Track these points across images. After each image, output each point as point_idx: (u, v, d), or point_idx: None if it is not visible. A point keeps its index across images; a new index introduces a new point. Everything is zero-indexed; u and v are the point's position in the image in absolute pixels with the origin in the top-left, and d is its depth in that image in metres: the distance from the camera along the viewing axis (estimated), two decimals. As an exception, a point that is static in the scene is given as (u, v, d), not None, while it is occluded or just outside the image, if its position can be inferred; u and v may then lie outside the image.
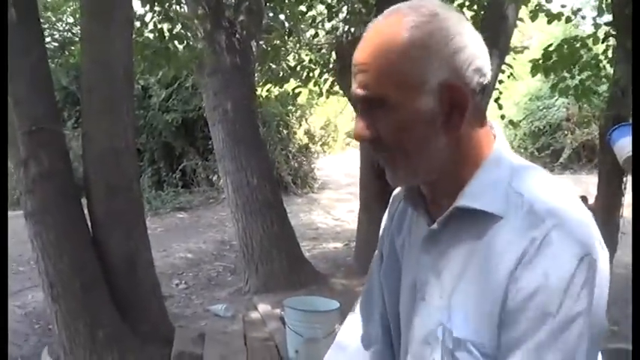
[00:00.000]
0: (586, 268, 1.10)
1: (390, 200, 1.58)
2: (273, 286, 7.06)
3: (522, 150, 20.29)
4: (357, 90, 1.24)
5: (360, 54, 1.23)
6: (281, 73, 9.80)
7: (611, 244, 6.19)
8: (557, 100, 18.59)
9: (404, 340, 1.43)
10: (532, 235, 1.12)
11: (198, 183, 14.04)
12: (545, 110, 19.44)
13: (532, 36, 21.19)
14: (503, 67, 8.48)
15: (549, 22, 7.40)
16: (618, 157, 5.47)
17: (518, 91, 18.49)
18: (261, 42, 8.40)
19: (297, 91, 10.03)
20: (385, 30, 1.22)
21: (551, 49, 7.41)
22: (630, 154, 5.41)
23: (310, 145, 16.45)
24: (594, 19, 7.49)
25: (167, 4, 6.46)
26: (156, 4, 5.91)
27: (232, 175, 7.39)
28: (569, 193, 1.21)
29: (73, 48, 15.96)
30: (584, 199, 8.72)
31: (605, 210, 6.23)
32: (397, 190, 1.53)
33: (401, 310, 1.44)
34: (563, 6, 7.70)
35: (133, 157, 5.28)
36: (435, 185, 1.30)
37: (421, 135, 1.21)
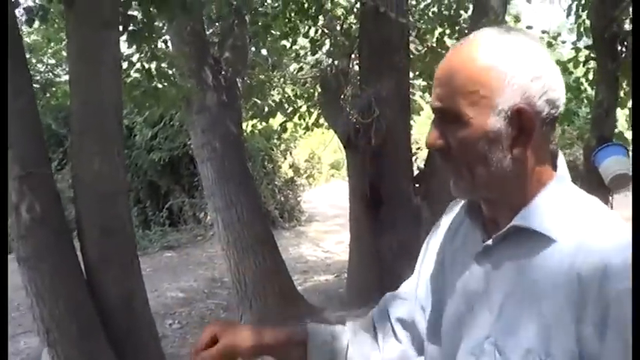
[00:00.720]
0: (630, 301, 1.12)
1: (446, 210, 1.63)
2: (268, 322, 7.02)
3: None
4: (434, 102, 1.31)
5: (441, 69, 1.31)
6: (266, 108, 9.83)
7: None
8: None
9: (447, 345, 1.45)
10: (587, 265, 1.16)
11: (185, 221, 14.00)
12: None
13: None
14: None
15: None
16: (604, 177, 5.53)
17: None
18: (245, 78, 8.43)
19: (284, 125, 10.04)
20: (467, 49, 1.28)
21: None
22: (616, 173, 5.48)
23: (295, 178, 16.47)
24: (574, 43, 7.59)
25: (153, 44, 6.48)
26: (143, 44, 5.92)
27: (222, 212, 7.39)
28: (621, 226, 1.23)
29: (54, 89, 15.95)
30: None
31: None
32: (454, 201, 1.59)
33: (445, 318, 1.47)
34: (544, 31, 7.80)
35: (125, 198, 5.24)
36: (495, 204, 1.35)
37: (485, 153, 1.26)
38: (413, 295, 1.63)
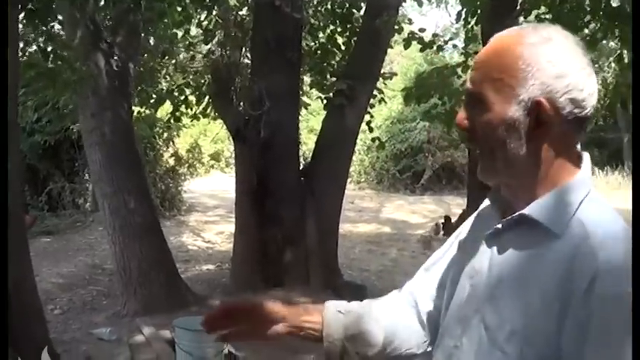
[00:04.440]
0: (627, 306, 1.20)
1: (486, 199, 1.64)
2: (152, 309, 7.00)
3: (384, 172, 20.90)
4: (467, 84, 1.42)
5: (479, 54, 1.42)
6: (154, 96, 9.73)
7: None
8: (418, 123, 19.31)
9: (443, 313, 1.57)
10: (582, 265, 1.25)
11: (65, 206, 13.64)
12: (406, 133, 20.16)
13: (393, 60, 21.86)
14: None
15: (422, 49, 7.70)
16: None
17: (380, 114, 19.12)
18: (136, 65, 8.33)
19: (175, 114, 9.93)
20: (504, 40, 1.38)
21: (423, 76, 7.72)
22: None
23: (177, 167, 16.31)
24: (463, 48, 7.88)
25: (50, 25, 6.35)
26: (40, 24, 5.80)
27: (110, 198, 7.31)
28: (623, 236, 1.29)
29: None
30: (447, 219, 9.20)
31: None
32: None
33: (448, 287, 1.58)
34: (435, 35, 8.07)
35: (18, 178, 5.15)
36: (514, 191, 1.43)
37: (504, 138, 1.35)
38: (436, 273, 1.70)
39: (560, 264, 1.28)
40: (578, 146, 1.43)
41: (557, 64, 1.32)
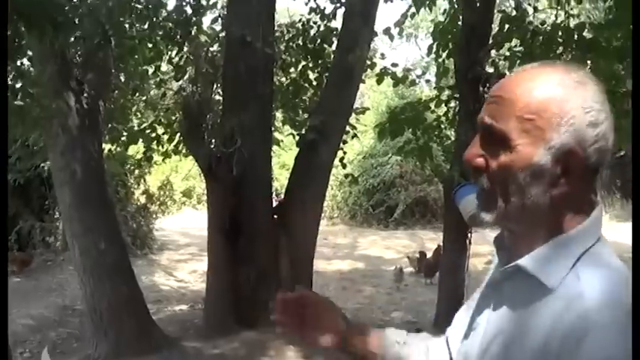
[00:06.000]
0: None
1: None
2: (123, 351, 6.86)
3: (357, 207, 20.90)
4: (485, 117, 1.30)
5: (502, 87, 1.31)
6: (125, 134, 9.63)
7: (457, 296, 6.50)
8: (390, 157, 19.36)
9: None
10: (572, 324, 1.17)
11: (35, 245, 13.42)
12: (379, 168, 20.20)
13: (364, 94, 21.98)
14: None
15: (395, 85, 7.69)
16: (464, 215, 5.78)
17: (352, 149, 19.21)
18: (107, 102, 8.23)
19: (147, 154, 9.83)
20: (535, 77, 1.28)
21: (396, 111, 7.69)
22: (475, 211, 5.74)
23: (148, 205, 16.17)
24: (436, 82, 7.89)
25: (19, 61, 6.26)
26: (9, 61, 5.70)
27: (80, 238, 7.15)
28: (621, 292, 1.21)
29: None
30: (422, 254, 9.15)
31: (451, 264, 6.53)
32: None
33: (454, 336, 1.57)
34: (408, 70, 8.07)
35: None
36: (516, 238, 1.36)
37: (524, 184, 1.26)
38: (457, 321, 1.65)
39: (552, 319, 1.21)
40: (592, 195, 1.34)
41: (590, 112, 1.25)
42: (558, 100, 1.24)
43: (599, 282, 1.22)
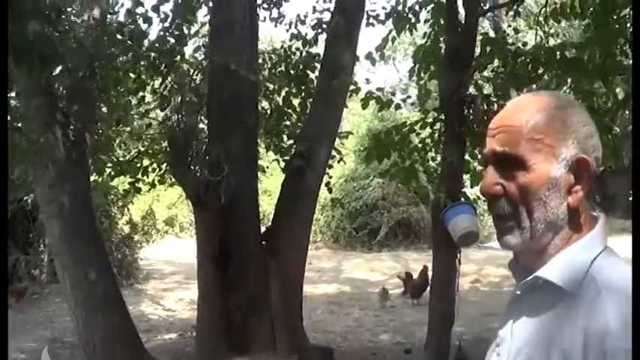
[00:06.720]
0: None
1: None
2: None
3: (341, 230, 20.87)
4: (496, 147, 1.41)
5: (505, 117, 1.43)
6: (110, 165, 9.61)
7: (448, 316, 6.52)
8: (372, 180, 19.40)
9: None
10: (594, 322, 1.28)
11: (20, 278, 13.33)
12: (361, 191, 20.19)
13: (344, 118, 22.01)
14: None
15: (380, 109, 7.73)
16: (452, 235, 5.83)
17: (334, 173, 19.21)
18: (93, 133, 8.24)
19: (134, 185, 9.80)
20: (532, 102, 1.43)
21: (381, 136, 7.73)
22: (464, 231, 5.80)
23: (132, 234, 16.12)
24: (420, 105, 7.94)
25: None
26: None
27: (70, 270, 7.15)
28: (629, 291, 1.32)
29: None
30: (408, 275, 9.20)
31: (441, 284, 6.56)
32: None
33: None
34: (392, 93, 8.14)
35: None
36: (533, 253, 1.44)
37: (545, 199, 1.37)
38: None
39: (575, 321, 1.30)
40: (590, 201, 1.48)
41: (586, 126, 1.41)
42: (560, 118, 1.40)
43: (615, 281, 1.33)
